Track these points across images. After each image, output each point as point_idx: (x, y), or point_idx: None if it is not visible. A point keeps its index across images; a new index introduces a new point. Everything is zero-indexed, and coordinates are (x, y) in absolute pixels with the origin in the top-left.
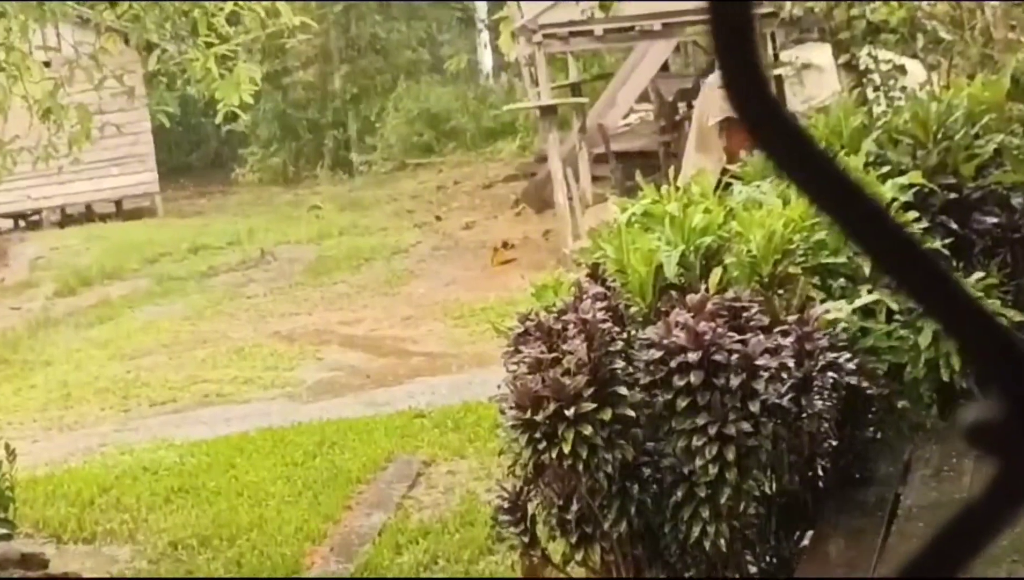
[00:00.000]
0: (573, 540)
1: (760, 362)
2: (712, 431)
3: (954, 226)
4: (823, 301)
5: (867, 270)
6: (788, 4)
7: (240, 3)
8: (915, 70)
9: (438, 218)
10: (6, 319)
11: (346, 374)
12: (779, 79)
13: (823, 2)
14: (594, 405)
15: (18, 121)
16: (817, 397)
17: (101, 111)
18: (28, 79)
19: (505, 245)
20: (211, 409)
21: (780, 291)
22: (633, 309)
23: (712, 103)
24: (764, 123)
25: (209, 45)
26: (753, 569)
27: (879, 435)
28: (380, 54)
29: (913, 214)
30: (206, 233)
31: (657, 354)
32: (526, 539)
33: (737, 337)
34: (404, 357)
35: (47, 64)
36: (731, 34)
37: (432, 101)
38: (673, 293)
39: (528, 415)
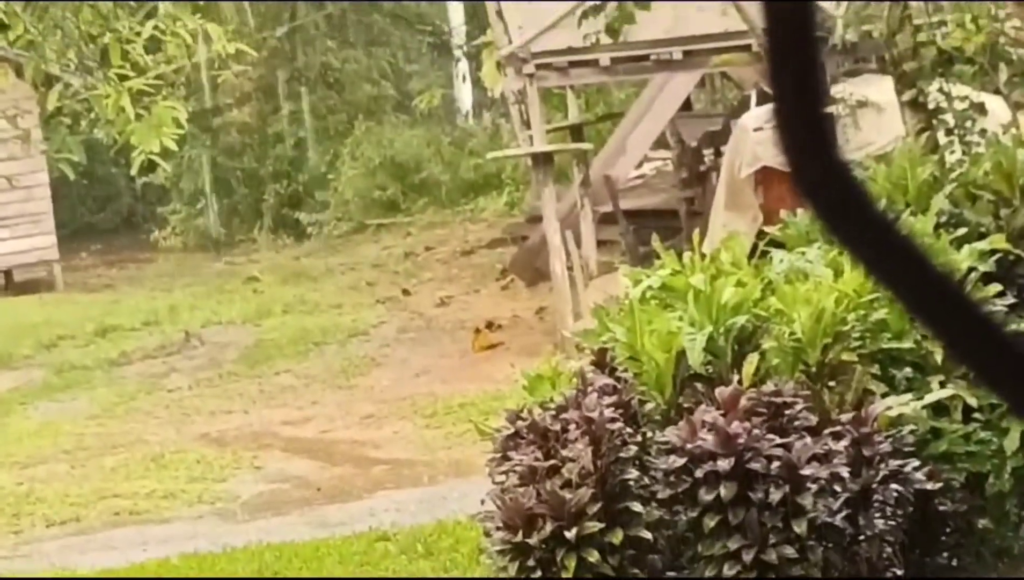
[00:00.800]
0: None
1: (807, 471)
2: (747, 558)
3: None
4: (884, 395)
5: (938, 358)
6: (840, 27)
7: (161, 26)
8: (997, 109)
9: (406, 292)
10: None
11: (291, 486)
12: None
13: (883, 25)
14: (601, 525)
15: None
16: (878, 515)
17: None
18: None
19: (489, 326)
20: (123, 530)
21: (831, 383)
22: (649, 405)
23: (745, 150)
24: (820, 176)
25: (123, 78)
26: None
27: (955, 562)
28: (333, 89)
29: (995, 287)
30: (117, 311)
31: (679, 461)
32: None
33: (778, 440)
34: (363, 465)
35: None
36: (790, 54)
37: (398, 147)
38: (698, 386)
39: (520, 537)
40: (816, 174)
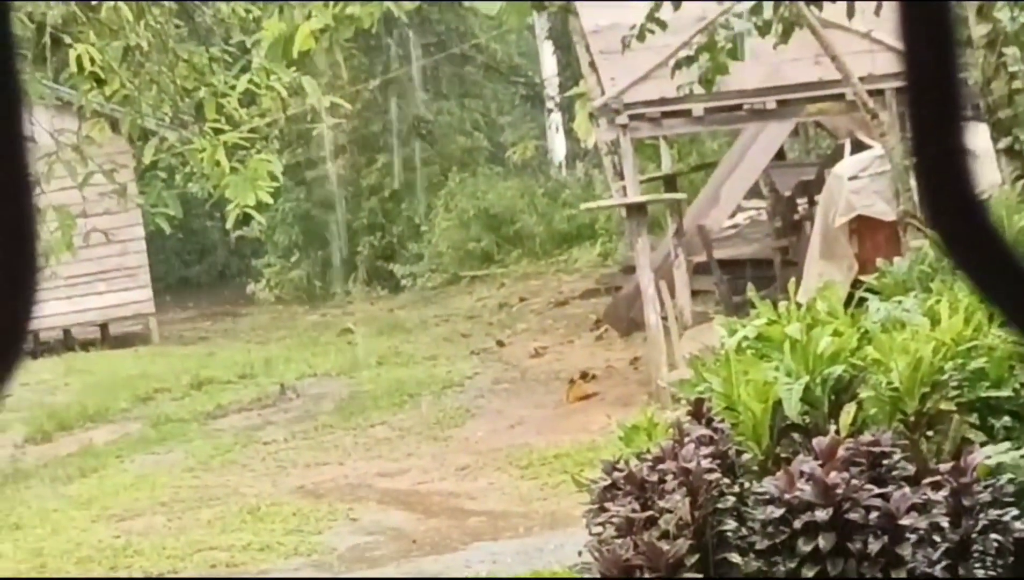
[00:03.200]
0: None
1: (905, 522)
2: None
3: None
4: (983, 444)
5: None
6: None
7: (256, 80)
8: None
9: (500, 343)
10: None
11: (387, 538)
12: None
13: (978, 73)
14: (699, 576)
15: None
16: (977, 565)
17: (85, 214)
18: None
19: (584, 376)
20: None
21: (929, 433)
22: (746, 456)
23: (840, 199)
24: (956, 212)
25: (218, 132)
26: None
27: None
28: (427, 141)
29: None
30: (212, 364)
31: (777, 512)
32: None
33: (877, 490)
34: (459, 517)
35: None
36: (930, 83)
37: (492, 198)
38: (795, 436)
39: None
40: (952, 210)
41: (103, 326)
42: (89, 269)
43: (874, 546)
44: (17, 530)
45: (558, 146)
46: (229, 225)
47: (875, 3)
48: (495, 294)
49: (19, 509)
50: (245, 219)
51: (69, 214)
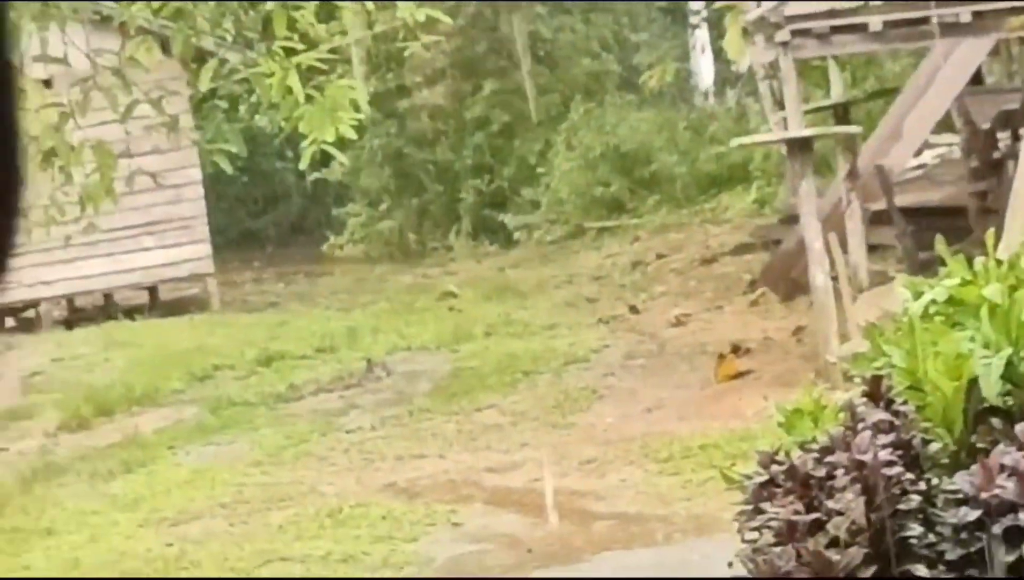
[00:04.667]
0: None
1: None
2: None
3: None
4: None
5: None
6: None
7: None
8: None
9: (634, 310)
10: None
11: (496, 547)
12: None
13: None
14: None
15: None
16: None
17: (129, 153)
18: (21, 107)
19: (736, 350)
20: None
21: None
22: (934, 446)
23: None
24: None
25: (290, 52)
26: None
27: None
28: (544, 64)
29: None
30: (284, 335)
31: (973, 514)
32: None
33: None
34: (584, 521)
35: (48, 84)
36: None
37: (623, 133)
38: (995, 421)
39: None
40: None
41: (151, 289)
42: (135, 220)
43: None
44: (49, 536)
45: (704, 70)
46: (304, 166)
47: None
48: (627, 250)
49: (51, 511)
50: (323, 159)
51: (109, 152)
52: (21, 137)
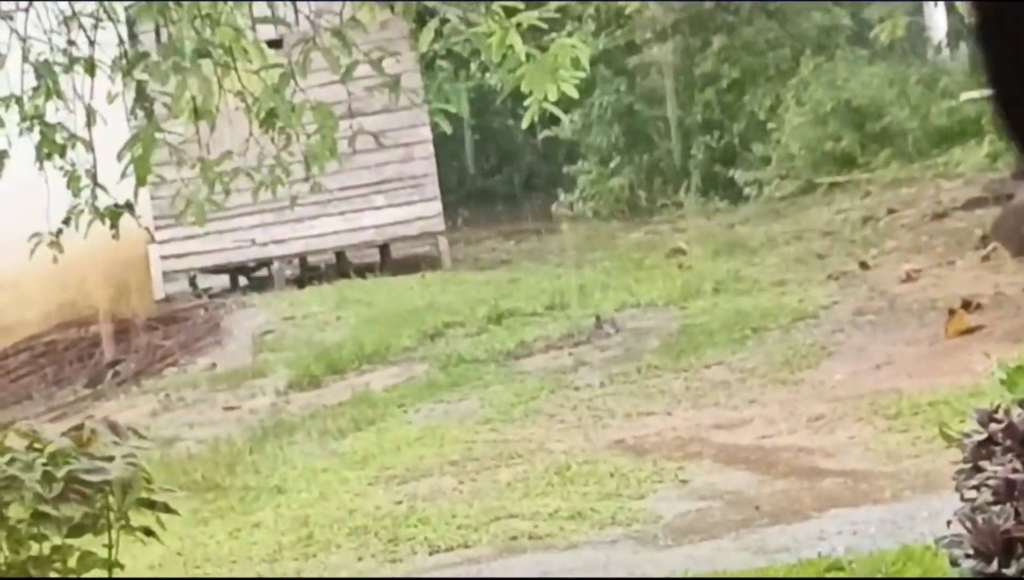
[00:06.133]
0: None
1: None
2: None
3: None
4: None
5: None
6: None
7: None
8: None
9: (864, 265)
10: (219, 425)
11: (724, 504)
12: None
13: None
14: None
15: (232, 130)
16: None
17: (356, 112)
18: (245, 67)
19: (967, 306)
20: (521, 558)
21: None
22: None
23: None
24: None
25: (510, 12)
26: None
27: None
28: (774, 18)
29: None
30: (514, 293)
31: None
32: None
33: None
34: (812, 478)
35: (274, 44)
36: None
37: (854, 88)
38: None
39: (994, 567)
40: None
41: (383, 248)
42: (366, 179)
43: None
44: (280, 494)
45: (938, 22)
46: (525, 125)
47: None
48: (858, 205)
49: (282, 469)
50: (553, 117)
51: (329, 113)
52: None
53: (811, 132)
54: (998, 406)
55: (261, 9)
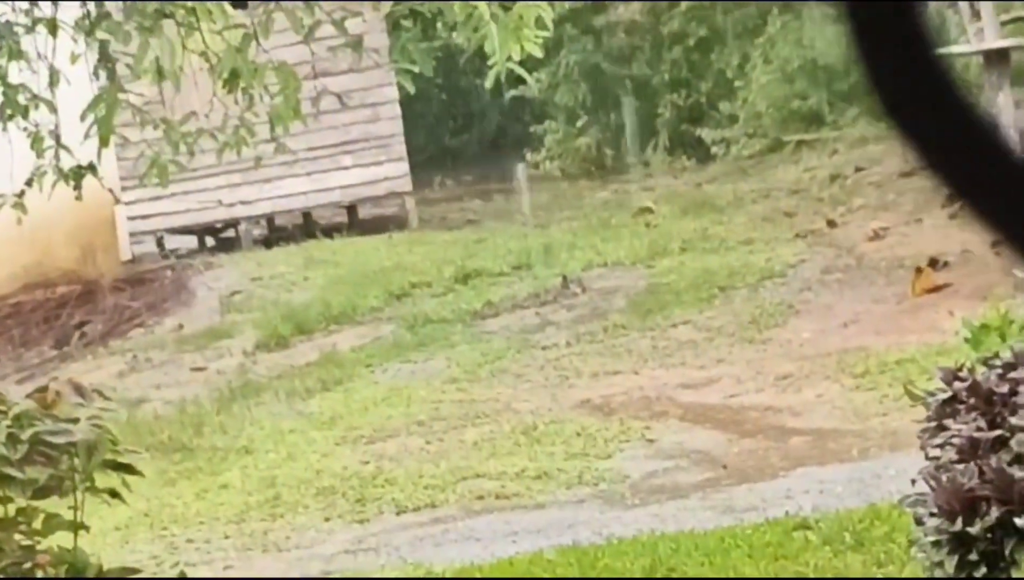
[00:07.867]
0: None
1: None
2: None
3: None
4: None
5: None
6: None
7: None
8: None
9: (831, 224)
10: (186, 386)
11: (690, 463)
12: None
13: None
14: None
15: (197, 91)
16: None
17: (315, 74)
18: (208, 28)
19: (933, 263)
20: (488, 518)
21: None
22: None
23: None
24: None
25: None
26: None
27: None
28: None
29: None
30: (481, 253)
31: None
32: None
33: None
34: (779, 437)
35: (239, 5)
36: None
37: (821, 46)
38: None
39: (959, 526)
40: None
41: (350, 208)
42: (332, 139)
43: None
44: (247, 455)
45: None
46: (489, 84)
47: None
48: (826, 163)
49: (249, 430)
50: (516, 79)
51: (292, 73)
52: None
53: (778, 90)
54: (962, 365)
55: None
